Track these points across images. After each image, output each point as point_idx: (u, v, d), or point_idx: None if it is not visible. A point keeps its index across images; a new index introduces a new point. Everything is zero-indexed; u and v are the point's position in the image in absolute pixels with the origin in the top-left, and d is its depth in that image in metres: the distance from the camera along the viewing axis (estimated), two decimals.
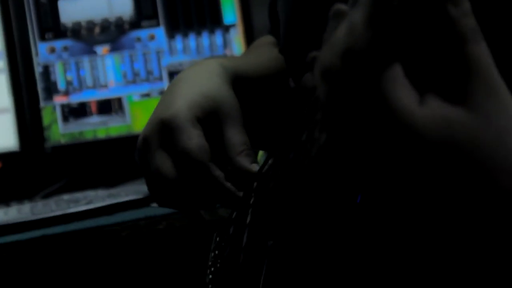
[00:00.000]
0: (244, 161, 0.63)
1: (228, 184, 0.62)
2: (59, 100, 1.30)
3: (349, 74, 0.35)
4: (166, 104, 0.66)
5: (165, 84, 1.30)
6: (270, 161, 0.56)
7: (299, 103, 0.53)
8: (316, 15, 0.62)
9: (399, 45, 0.35)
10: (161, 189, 0.63)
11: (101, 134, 1.30)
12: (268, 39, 0.88)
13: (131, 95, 1.30)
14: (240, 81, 0.71)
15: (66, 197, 1.13)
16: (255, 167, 0.62)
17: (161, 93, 1.30)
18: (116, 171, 1.31)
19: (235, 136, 0.65)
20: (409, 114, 0.34)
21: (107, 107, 1.31)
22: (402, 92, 0.35)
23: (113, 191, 1.13)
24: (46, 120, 1.30)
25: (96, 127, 1.30)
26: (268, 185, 0.54)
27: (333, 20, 0.40)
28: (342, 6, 0.39)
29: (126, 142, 1.30)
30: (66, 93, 1.30)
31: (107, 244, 0.99)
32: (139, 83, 1.30)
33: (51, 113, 1.29)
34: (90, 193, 1.12)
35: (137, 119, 1.30)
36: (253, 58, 0.79)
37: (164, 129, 0.63)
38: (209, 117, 0.65)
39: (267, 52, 0.81)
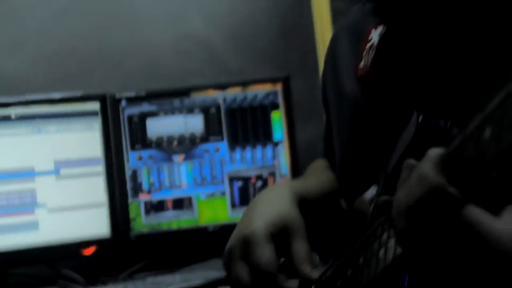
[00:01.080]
0: (306, 269, 0.71)
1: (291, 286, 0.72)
2: (143, 197, 1.56)
3: (428, 211, 0.44)
4: (247, 222, 0.76)
5: (226, 187, 1.56)
6: (328, 271, 0.66)
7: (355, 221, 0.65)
8: (366, 154, 0.76)
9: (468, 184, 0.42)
10: None
11: (175, 226, 1.56)
12: (322, 163, 0.97)
13: (199, 194, 1.57)
14: (304, 201, 0.80)
15: (150, 279, 1.37)
16: (315, 274, 0.70)
17: (223, 193, 1.57)
18: (185, 256, 1.55)
19: (300, 248, 0.73)
20: (487, 228, 0.43)
21: (180, 204, 1.57)
22: (479, 214, 0.43)
23: (186, 275, 1.37)
24: (132, 213, 1.55)
25: (171, 219, 1.56)
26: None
27: (405, 170, 0.50)
28: (412, 161, 0.50)
29: (194, 232, 1.56)
30: (149, 192, 1.56)
31: None
32: (206, 185, 1.57)
33: (136, 207, 1.56)
34: (168, 277, 1.37)
35: (203, 214, 1.56)
36: (314, 181, 0.88)
37: (244, 243, 0.73)
38: (281, 233, 0.74)
39: (324, 175, 0.91)
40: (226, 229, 1.54)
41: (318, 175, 0.91)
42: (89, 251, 1.50)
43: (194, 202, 1.57)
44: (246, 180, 1.58)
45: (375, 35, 0.78)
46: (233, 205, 1.58)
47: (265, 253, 0.71)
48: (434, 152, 0.45)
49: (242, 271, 0.72)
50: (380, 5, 0.77)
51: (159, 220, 1.56)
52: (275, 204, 0.77)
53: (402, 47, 0.74)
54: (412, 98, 0.69)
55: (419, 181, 0.45)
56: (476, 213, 0.44)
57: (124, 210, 1.55)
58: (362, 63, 0.78)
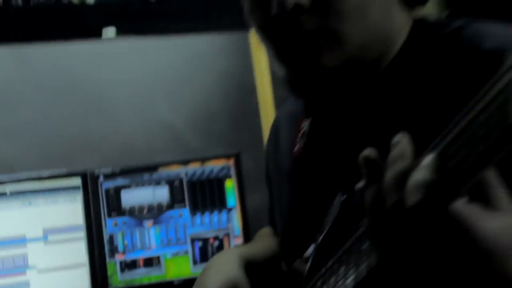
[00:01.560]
0: None
1: None
2: (119, 257, 1.75)
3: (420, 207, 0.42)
4: (202, 284, 0.83)
5: (188, 246, 1.76)
6: None
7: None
8: (302, 224, 0.78)
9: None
10: None
11: (146, 281, 1.74)
12: (268, 230, 1.02)
13: (166, 254, 1.76)
14: (251, 264, 0.86)
15: None
16: None
17: (186, 252, 1.76)
18: None
19: None
20: (475, 226, 0.42)
21: (150, 262, 1.75)
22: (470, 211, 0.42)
23: None
24: (110, 271, 1.73)
25: (143, 276, 1.74)
26: None
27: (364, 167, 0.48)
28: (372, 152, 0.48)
29: (162, 286, 1.73)
30: (124, 252, 1.75)
31: None
32: (172, 245, 1.76)
33: (113, 266, 1.74)
34: None
35: (169, 270, 1.75)
36: (260, 246, 0.93)
37: None
38: None
39: (268, 241, 0.95)
40: (189, 282, 1.72)
41: (264, 241, 0.95)
42: None
43: (162, 260, 1.76)
44: (205, 240, 1.77)
45: (306, 124, 0.82)
46: (195, 262, 1.76)
47: None
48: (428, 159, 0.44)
49: None
50: (304, 105, 0.81)
51: (132, 277, 1.74)
52: (225, 268, 0.83)
53: (324, 135, 0.78)
54: (337, 179, 0.72)
55: (412, 183, 0.44)
56: (466, 209, 0.43)
57: (103, 269, 1.72)
58: (296, 147, 0.82)
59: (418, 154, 0.46)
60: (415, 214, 0.43)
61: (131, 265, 1.77)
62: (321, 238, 0.69)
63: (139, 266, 1.77)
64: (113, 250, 1.77)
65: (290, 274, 0.76)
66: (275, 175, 0.91)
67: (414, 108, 0.61)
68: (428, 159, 0.44)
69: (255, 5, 0.67)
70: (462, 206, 0.43)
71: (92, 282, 1.71)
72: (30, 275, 1.65)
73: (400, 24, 0.69)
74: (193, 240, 1.78)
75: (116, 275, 1.76)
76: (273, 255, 0.91)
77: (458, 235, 0.43)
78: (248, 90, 2.03)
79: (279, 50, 0.67)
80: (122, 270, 1.76)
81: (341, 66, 0.65)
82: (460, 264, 0.43)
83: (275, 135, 0.92)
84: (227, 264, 0.85)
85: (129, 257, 1.77)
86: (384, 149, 0.47)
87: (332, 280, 0.61)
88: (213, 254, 1.78)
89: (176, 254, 1.78)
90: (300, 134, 0.82)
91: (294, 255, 0.75)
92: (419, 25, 0.69)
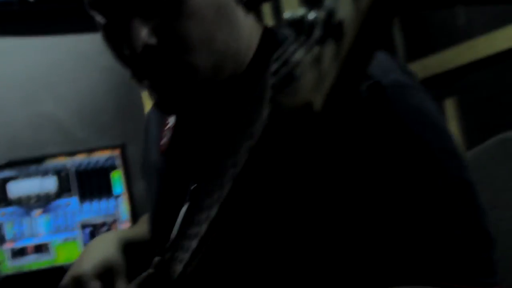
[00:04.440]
0: None
1: None
2: (8, 245, 1.74)
3: None
4: (78, 265, 0.82)
5: (77, 233, 1.77)
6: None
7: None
8: (165, 211, 0.77)
9: None
10: None
11: (35, 266, 1.74)
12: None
13: (55, 240, 1.76)
14: (129, 245, 0.88)
15: None
16: None
17: (75, 238, 1.77)
18: None
19: (120, 284, 0.81)
20: None
21: (39, 249, 1.75)
22: None
23: None
24: None
25: (32, 262, 1.74)
26: None
27: None
28: None
29: (52, 271, 1.74)
30: (13, 241, 1.74)
31: None
32: (61, 232, 1.77)
33: (2, 254, 1.73)
34: None
35: (59, 256, 1.76)
36: (138, 230, 0.94)
37: (76, 281, 0.80)
38: (106, 273, 0.81)
39: (145, 226, 0.95)
40: None
41: (143, 226, 0.95)
42: None
43: (51, 246, 1.76)
44: (94, 226, 1.80)
45: (171, 120, 0.83)
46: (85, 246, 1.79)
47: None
48: None
49: None
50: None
51: (22, 263, 1.73)
52: (102, 250, 0.83)
53: (186, 130, 0.80)
54: (193, 170, 0.73)
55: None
56: None
57: None
58: (162, 141, 0.83)
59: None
60: None
61: (20, 252, 1.75)
62: (178, 225, 0.69)
63: (29, 253, 1.76)
64: (2, 239, 1.75)
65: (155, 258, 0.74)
66: (146, 168, 0.91)
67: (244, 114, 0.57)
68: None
69: (111, 47, 0.70)
70: None
71: None
72: None
73: (249, 35, 0.71)
74: (82, 226, 1.80)
75: (5, 263, 1.74)
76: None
77: None
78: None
79: (145, 82, 0.69)
80: (12, 257, 1.75)
81: (198, 89, 0.68)
82: None
83: (146, 130, 0.93)
84: (104, 246, 0.85)
85: (18, 244, 1.76)
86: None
87: (180, 251, 0.63)
88: None
89: (65, 240, 1.78)
90: (166, 129, 0.83)
91: (160, 244, 0.74)
92: (266, 35, 0.72)
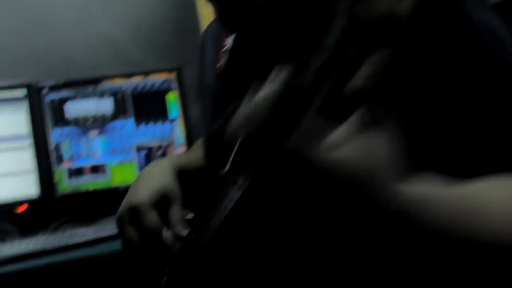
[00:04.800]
0: (178, 229, 0.77)
1: (175, 244, 0.75)
2: (65, 165, 1.75)
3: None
4: (134, 193, 0.79)
5: (133, 155, 1.77)
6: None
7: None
8: (219, 144, 0.65)
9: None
10: (130, 251, 0.77)
11: (92, 187, 1.75)
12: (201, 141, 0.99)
13: (112, 161, 1.76)
14: (184, 172, 0.85)
15: (72, 231, 1.47)
16: (184, 232, 0.75)
17: (131, 160, 1.77)
18: (101, 211, 1.72)
19: (175, 213, 0.79)
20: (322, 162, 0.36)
21: (96, 169, 1.75)
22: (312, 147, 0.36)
23: (100, 227, 1.46)
24: (57, 177, 1.73)
25: (89, 182, 1.74)
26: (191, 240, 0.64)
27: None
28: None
29: (108, 192, 1.74)
30: (70, 160, 1.75)
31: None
32: (117, 154, 1.76)
33: (60, 173, 1.74)
34: (84, 229, 1.46)
35: (115, 177, 1.76)
36: (193, 156, 0.91)
37: (132, 211, 0.78)
38: (162, 201, 0.79)
39: (201, 151, 0.93)
40: None
41: (197, 151, 0.93)
42: (22, 208, 1.64)
43: (107, 168, 1.76)
44: (149, 149, 1.77)
45: (228, 41, 0.79)
46: (140, 169, 1.76)
47: (151, 218, 0.76)
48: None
49: (132, 233, 0.77)
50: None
51: (78, 183, 1.74)
52: (157, 177, 0.80)
53: (245, 51, 0.75)
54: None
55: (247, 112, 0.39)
56: (298, 142, 0.36)
57: (50, 176, 1.72)
58: (219, 64, 0.79)
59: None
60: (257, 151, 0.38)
61: (77, 172, 1.76)
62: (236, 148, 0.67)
63: (86, 173, 1.76)
64: (60, 158, 1.75)
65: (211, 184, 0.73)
66: (201, 91, 0.88)
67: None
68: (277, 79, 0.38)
69: None
70: (299, 140, 0.37)
71: (40, 188, 1.70)
72: None
73: None
74: (138, 149, 1.78)
75: (63, 181, 1.75)
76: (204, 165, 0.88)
77: (304, 175, 0.37)
78: (189, 5, 1.99)
79: None
80: (69, 176, 1.75)
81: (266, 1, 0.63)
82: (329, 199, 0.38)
83: (201, 52, 0.90)
84: (159, 173, 0.82)
85: (76, 164, 1.76)
86: (288, 67, 0.42)
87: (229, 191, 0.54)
88: None
89: (121, 162, 1.77)
90: (222, 51, 0.80)
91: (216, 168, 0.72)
92: None
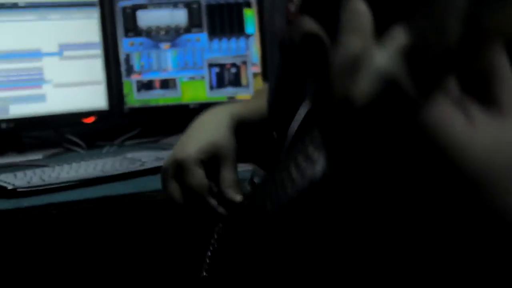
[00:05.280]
0: (230, 193, 0.70)
1: (220, 209, 0.70)
2: (135, 77, 1.68)
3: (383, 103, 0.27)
4: (181, 147, 0.74)
5: (205, 71, 1.68)
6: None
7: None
8: (290, 91, 0.63)
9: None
10: (173, 209, 0.73)
11: (161, 102, 1.69)
12: (266, 87, 0.83)
13: (182, 77, 1.68)
14: (243, 125, 0.77)
15: (129, 155, 1.36)
16: (237, 198, 0.69)
17: (203, 77, 1.67)
18: (169, 127, 1.66)
19: (227, 174, 0.72)
20: (453, 136, 0.27)
21: (166, 84, 1.68)
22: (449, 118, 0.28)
23: (160, 154, 1.34)
24: (126, 90, 1.68)
25: (158, 97, 1.68)
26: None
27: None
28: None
29: (177, 108, 1.68)
30: (140, 73, 1.68)
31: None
32: (188, 69, 1.68)
33: (129, 85, 1.68)
34: (144, 155, 1.35)
35: (185, 94, 1.68)
36: (255, 105, 0.81)
37: (177, 166, 0.72)
38: (212, 159, 0.72)
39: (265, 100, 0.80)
40: (204, 107, 1.66)
41: (261, 101, 0.81)
42: (89, 120, 1.62)
43: (178, 83, 1.68)
44: (222, 66, 1.67)
45: None
46: (211, 87, 1.68)
47: (196, 177, 0.71)
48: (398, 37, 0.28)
49: (175, 190, 0.72)
50: None
51: (148, 97, 1.68)
52: (210, 130, 0.74)
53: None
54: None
55: (369, 70, 0.28)
56: (440, 117, 0.28)
57: (119, 87, 1.67)
58: (291, 6, 0.66)
59: (382, 30, 0.29)
60: (370, 116, 0.28)
61: (147, 86, 1.69)
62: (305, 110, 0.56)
63: (155, 87, 1.69)
64: (130, 70, 1.69)
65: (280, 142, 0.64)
66: (270, 31, 0.77)
67: None
68: (397, 35, 0.28)
69: None
70: (439, 110, 0.28)
71: (108, 100, 1.66)
72: (46, 89, 1.59)
73: None
74: (210, 65, 1.68)
75: (132, 94, 1.70)
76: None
77: (431, 154, 0.28)
78: None
79: None
80: (138, 89, 1.70)
81: None
82: (432, 190, 0.29)
83: None
84: (214, 126, 0.75)
85: (146, 77, 1.70)
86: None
87: (300, 159, 0.47)
88: (229, 80, 1.69)
89: (192, 78, 1.69)
90: None
91: (283, 125, 0.62)
92: None
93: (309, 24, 0.30)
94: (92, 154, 1.52)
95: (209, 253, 0.71)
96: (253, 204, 0.60)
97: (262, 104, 0.78)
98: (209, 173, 0.71)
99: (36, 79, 1.58)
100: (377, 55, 0.28)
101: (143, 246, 1.37)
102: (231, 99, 1.66)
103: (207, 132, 0.73)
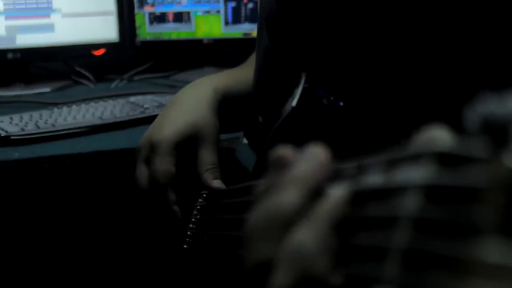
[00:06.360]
0: (208, 177, 0.65)
1: (175, 207, 0.66)
2: (147, 9, 1.60)
3: None
4: (159, 126, 0.68)
5: (220, 5, 1.57)
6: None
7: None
8: (277, 72, 0.60)
9: None
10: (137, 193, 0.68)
11: (174, 36, 1.60)
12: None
13: (197, 11, 1.59)
14: (228, 98, 0.72)
15: (132, 99, 1.24)
16: (214, 183, 0.65)
17: (218, 11, 1.57)
18: (182, 62, 1.62)
19: (206, 157, 0.66)
20: None
21: (179, 17, 1.59)
22: None
23: (163, 99, 1.23)
24: (138, 22, 1.59)
25: (171, 30, 1.60)
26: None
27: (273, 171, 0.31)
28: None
29: (190, 43, 1.60)
30: (153, 5, 1.59)
31: None
32: (203, 3, 1.58)
33: (142, 17, 1.60)
34: (148, 99, 1.23)
35: (199, 28, 1.59)
36: (243, 76, 0.75)
37: (149, 148, 0.67)
38: (189, 140, 0.67)
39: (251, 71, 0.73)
40: (219, 43, 1.60)
41: (248, 69, 0.75)
42: (99, 52, 1.55)
43: (192, 16, 1.59)
44: (239, 1, 1.57)
45: None
46: (226, 22, 1.58)
47: (164, 164, 0.65)
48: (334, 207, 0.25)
49: (142, 173, 0.67)
50: None
51: (161, 30, 1.60)
52: (190, 109, 0.69)
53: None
54: (302, 59, 0.54)
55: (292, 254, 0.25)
56: None
57: (131, 19, 1.59)
58: None
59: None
60: None
61: (160, 18, 1.61)
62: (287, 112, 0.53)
63: (168, 21, 1.61)
64: (142, 1, 1.60)
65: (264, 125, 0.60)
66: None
67: None
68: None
69: None
70: None
71: (119, 32, 1.58)
72: (54, 18, 1.52)
73: None
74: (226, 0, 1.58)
75: (144, 27, 1.61)
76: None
77: None
78: None
79: None
80: (150, 22, 1.61)
81: None
82: None
83: None
84: (195, 101, 0.69)
85: (159, 9, 1.61)
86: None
87: None
88: (246, 16, 1.58)
89: (207, 12, 1.59)
90: None
91: (269, 109, 0.59)
92: None
93: None
94: (100, 89, 1.47)
95: (192, 225, 0.68)
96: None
97: (249, 74, 0.72)
98: (188, 154, 0.67)
99: (45, 8, 1.51)
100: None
101: (124, 207, 1.26)
102: (247, 35, 1.56)
103: (187, 111, 0.68)
